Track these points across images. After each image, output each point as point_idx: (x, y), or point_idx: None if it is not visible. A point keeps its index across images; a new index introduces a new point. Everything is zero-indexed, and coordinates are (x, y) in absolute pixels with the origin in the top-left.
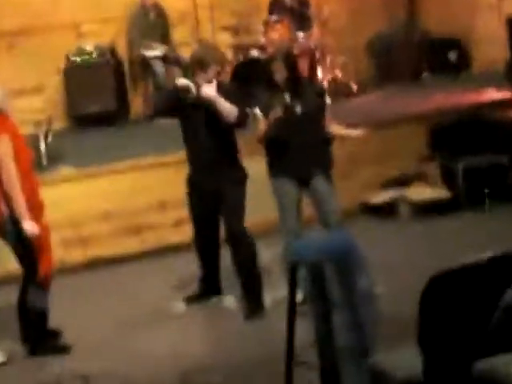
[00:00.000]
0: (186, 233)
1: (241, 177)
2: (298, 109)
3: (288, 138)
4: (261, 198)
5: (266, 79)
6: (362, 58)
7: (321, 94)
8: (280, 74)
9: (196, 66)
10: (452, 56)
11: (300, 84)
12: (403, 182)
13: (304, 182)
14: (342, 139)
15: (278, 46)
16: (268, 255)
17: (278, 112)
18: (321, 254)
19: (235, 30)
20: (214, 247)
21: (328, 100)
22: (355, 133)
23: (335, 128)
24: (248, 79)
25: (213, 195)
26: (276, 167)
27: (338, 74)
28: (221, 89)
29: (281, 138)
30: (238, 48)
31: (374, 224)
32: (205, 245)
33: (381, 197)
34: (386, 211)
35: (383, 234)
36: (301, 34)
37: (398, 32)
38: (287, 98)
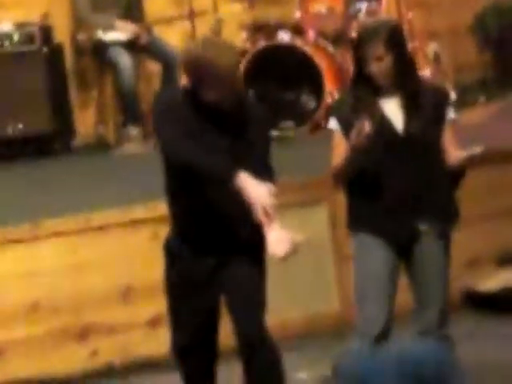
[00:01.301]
0: (164, 341)
1: (260, 238)
2: (401, 127)
3: (384, 173)
4: (294, 280)
5: (311, 78)
6: (466, 46)
7: (441, 102)
8: (377, 64)
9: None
10: None
11: (416, 83)
12: None
13: (406, 245)
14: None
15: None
16: (305, 377)
17: (365, 127)
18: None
19: None
20: (209, 361)
21: (452, 113)
22: (476, 150)
23: (455, 156)
24: (275, 80)
25: (213, 271)
26: (362, 219)
27: (427, 71)
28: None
29: (372, 172)
30: (257, 29)
31: (485, 325)
32: (194, 357)
33: (496, 280)
34: (506, 303)
35: (501, 343)
36: (363, 6)
37: None
38: (393, 107)
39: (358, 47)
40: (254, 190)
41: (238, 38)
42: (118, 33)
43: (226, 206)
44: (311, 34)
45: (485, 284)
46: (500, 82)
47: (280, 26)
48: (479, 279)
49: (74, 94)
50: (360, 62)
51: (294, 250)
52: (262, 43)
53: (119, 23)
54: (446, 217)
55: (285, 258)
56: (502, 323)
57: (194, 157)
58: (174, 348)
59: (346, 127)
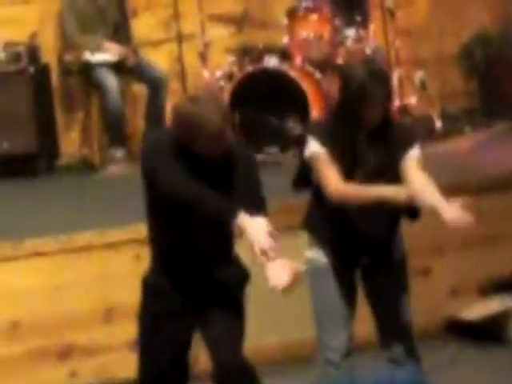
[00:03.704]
0: None
1: (239, 277)
2: (372, 158)
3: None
4: (274, 306)
5: (297, 103)
6: (452, 75)
7: (407, 143)
8: (374, 112)
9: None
10: None
11: (390, 123)
12: None
13: (365, 269)
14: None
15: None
16: None
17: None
18: None
19: (238, 23)
20: None
21: (417, 151)
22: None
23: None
24: (261, 104)
25: (193, 309)
26: (323, 237)
27: (412, 100)
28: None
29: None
30: (244, 53)
31: (466, 353)
32: None
33: (479, 309)
34: (488, 333)
35: (481, 371)
36: (350, 33)
37: None
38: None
39: (364, 93)
40: (255, 231)
41: (225, 62)
42: (106, 54)
43: (209, 244)
44: (298, 60)
45: (467, 313)
46: (486, 111)
47: (267, 50)
48: (461, 308)
49: (59, 115)
50: (356, 103)
51: (297, 281)
52: (248, 68)
53: (107, 44)
54: (400, 243)
55: (288, 290)
56: (484, 352)
57: (199, 196)
58: (143, 379)
59: (329, 152)
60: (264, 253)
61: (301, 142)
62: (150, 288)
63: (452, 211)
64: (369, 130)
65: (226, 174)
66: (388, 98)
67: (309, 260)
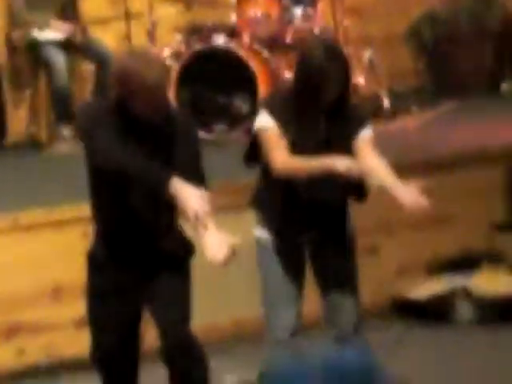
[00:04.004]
0: None
1: (183, 249)
2: (327, 136)
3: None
4: (224, 284)
5: (245, 82)
6: (400, 54)
7: (359, 123)
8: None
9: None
10: None
11: (347, 102)
12: (464, 264)
13: (314, 245)
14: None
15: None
16: (233, 380)
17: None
18: None
19: (187, 1)
20: (131, 367)
21: (369, 131)
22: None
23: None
24: (209, 83)
25: (138, 283)
26: (271, 215)
27: (361, 79)
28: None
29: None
30: (192, 31)
31: (413, 333)
32: (116, 363)
33: (426, 289)
34: (434, 312)
35: (428, 350)
36: (299, 11)
37: (463, 12)
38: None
39: (322, 73)
40: (188, 196)
41: (173, 41)
42: (53, 32)
43: (150, 216)
44: (246, 38)
45: (414, 292)
46: (434, 90)
47: (215, 29)
48: (408, 287)
49: (6, 92)
50: (314, 83)
51: (233, 254)
52: (196, 46)
53: (54, 22)
54: (348, 224)
55: (225, 262)
56: (430, 331)
57: (130, 162)
58: (95, 354)
59: (281, 127)
60: (198, 218)
61: (249, 120)
62: (94, 261)
63: (408, 195)
64: (325, 108)
65: (166, 144)
66: (345, 77)
67: (256, 238)
